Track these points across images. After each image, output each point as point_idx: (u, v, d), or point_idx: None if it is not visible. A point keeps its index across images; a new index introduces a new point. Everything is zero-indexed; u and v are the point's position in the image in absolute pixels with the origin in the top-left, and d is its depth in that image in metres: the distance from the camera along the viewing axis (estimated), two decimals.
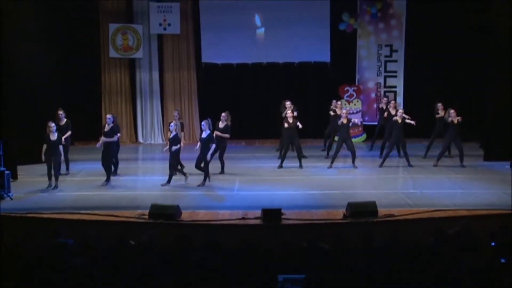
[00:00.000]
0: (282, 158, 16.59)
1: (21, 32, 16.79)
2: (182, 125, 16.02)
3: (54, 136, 14.45)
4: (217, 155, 15.66)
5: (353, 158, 16.43)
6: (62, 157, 15.43)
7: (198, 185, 14.65)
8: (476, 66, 19.09)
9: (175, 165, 14.85)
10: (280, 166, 16.46)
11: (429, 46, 20.41)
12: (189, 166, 15.24)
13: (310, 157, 17.45)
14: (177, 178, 15.09)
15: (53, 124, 14.60)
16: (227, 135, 15.72)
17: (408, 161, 16.41)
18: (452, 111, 16.23)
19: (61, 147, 14.94)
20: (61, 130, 15.15)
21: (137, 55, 20.98)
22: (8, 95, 15.53)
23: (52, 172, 14.47)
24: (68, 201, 13.40)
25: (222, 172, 15.98)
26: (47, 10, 18.12)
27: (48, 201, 13.42)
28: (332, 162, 16.50)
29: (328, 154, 17.65)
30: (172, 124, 14.88)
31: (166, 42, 21.23)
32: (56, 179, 14.56)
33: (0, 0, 15.33)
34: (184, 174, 14.94)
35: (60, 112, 15.94)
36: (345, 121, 16.30)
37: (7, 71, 15.57)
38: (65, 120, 15.94)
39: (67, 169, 16.02)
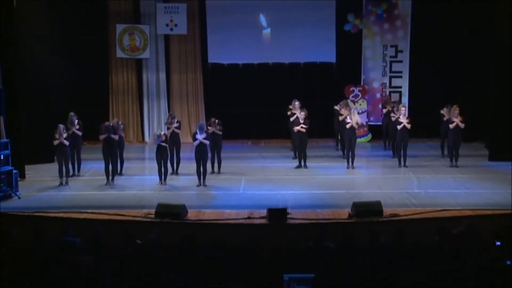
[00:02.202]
0: (305, 158, 16.52)
1: (32, 33, 16.92)
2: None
3: (62, 136, 14.82)
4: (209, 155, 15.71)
5: (352, 159, 16.38)
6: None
7: (201, 185, 14.80)
8: (481, 66, 19.10)
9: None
10: (305, 166, 16.44)
11: (434, 46, 20.43)
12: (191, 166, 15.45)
13: (315, 157, 17.47)
14: (184, 178, 15.25)
15: (62, 126, 14.92)
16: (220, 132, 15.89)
17: (405, 161, 16.30)
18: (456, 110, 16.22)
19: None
20: (73, 133, 15.48)
21: (144, 56, 21.08)
22: (18, 94, 15.63)
23: (64, 169, 14.85)
24: (76, 200, 13.49)
25: (219, 172, 16.05)
26: (57, 11, 18.25)
27: (56, 200, 13.51)
28: (350, 162, 16.36)
29: (344, 153, 17.48)
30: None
31: (173, 43, 21.32)
32: (67, 176, 14.94)
33: (13, 2, 15.44)
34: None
35: (71, 113, 16.08)
36: (356, 125, 16.28)
37: (17, 71, 15.66)
38: (76, 121, 15.95)
39: (79, 170, 16.03)
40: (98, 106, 20.50)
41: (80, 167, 16.02)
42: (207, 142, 14.94)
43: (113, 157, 15.08)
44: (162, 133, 15.34)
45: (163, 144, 14.80)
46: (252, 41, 21.01)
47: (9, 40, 15.37)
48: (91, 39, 20.42)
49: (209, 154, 15.37)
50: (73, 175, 15.69)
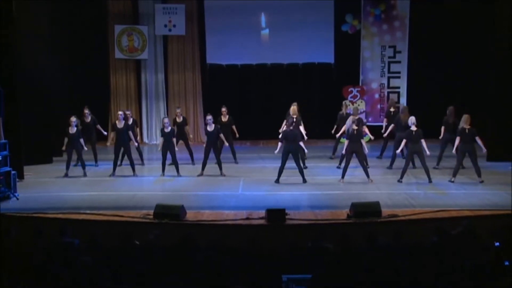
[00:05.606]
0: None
1: (32, 33, 16.91)
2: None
3: (73, 130, 15.40)
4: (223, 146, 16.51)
5: (366, 170, 15.36)
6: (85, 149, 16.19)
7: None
8: (480, 67, 19.10)
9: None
10: (304, 180, 15.13)
11: (433, 47, 20.47)
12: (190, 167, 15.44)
13: (314, 158, 17.49)
14: (183, 179, 15.32)
15: (74, 119, 15.52)
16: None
17: (428, 176, 14.99)
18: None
19: (82, 140, 15.71)
20: (88, 127, 16.45)
21: (142, 56, 21.11)
22: (16, 95, 15.61)
23: (72, 162, 15.70)
24: (74, 201, 13.45)
25: (235, 162, 17.28)
26: (56, 12, 18.24)
27: (54, 201, 13.46)
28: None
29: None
30: (166, 120, 15.90)
31: (171, 43, 21.34)
32: (83, 168, 15.70)
33: (12, 3, 15.43)
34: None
35: (86, 111, 16.83)
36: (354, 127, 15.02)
37: (17, 72, 15.65)
38: (90, 117, 16.90)
39: (96, 161, 16.96)
40: (98, 107, 20.46)
41: (84, 166, 16.02)
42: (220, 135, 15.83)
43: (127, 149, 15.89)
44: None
45: (166, 130, 15.43)
46: (250, 42, 21.05)
47: (8, 40, 15.35)
48: (90, 39, 20.45)
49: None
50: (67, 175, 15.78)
